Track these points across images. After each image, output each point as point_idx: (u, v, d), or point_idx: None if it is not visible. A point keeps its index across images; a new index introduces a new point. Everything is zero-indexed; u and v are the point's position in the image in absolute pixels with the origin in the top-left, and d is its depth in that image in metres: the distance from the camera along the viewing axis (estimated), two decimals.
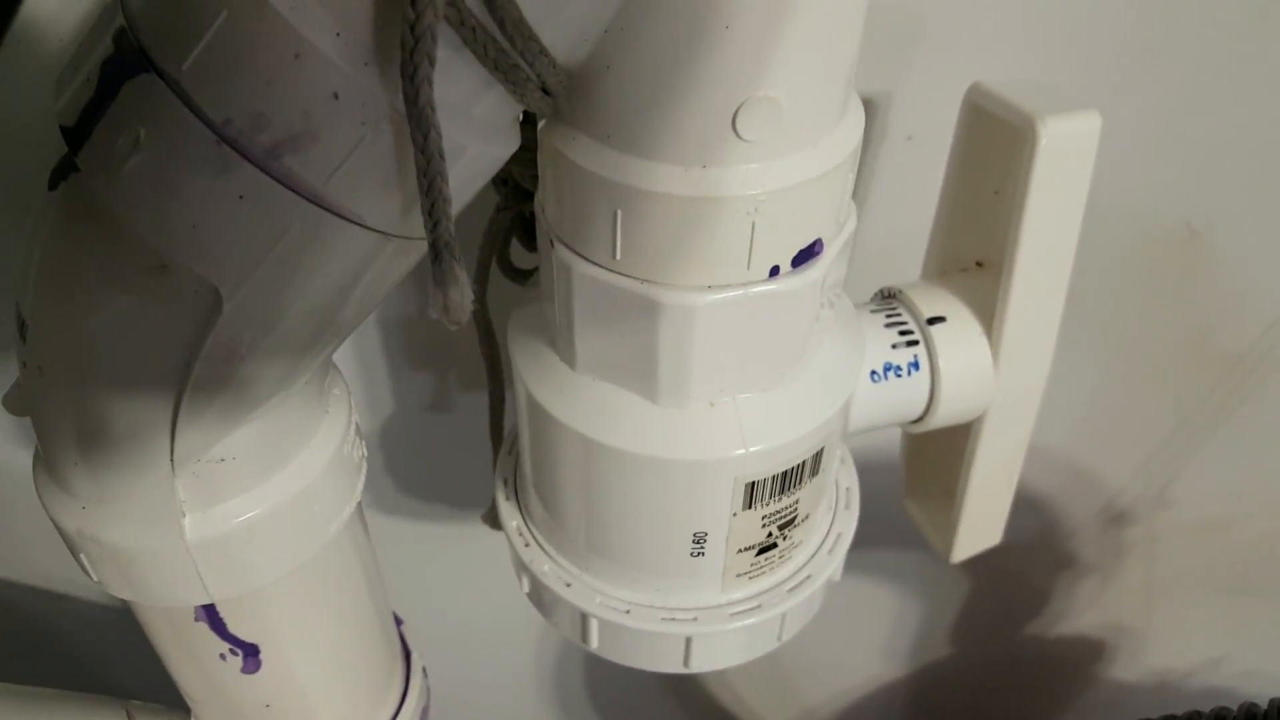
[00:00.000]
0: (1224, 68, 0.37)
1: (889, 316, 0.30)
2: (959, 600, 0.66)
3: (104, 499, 0.23)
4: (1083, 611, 0.66)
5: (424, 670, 0.38)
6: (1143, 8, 0.35)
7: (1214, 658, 0.69)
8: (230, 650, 0.27)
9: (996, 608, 0.66)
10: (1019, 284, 0.28)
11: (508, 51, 0.17)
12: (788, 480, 0.25)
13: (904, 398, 0.29)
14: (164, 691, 0.32)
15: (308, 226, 0.18)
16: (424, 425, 0.46)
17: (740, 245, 0.21)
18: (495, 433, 0.35)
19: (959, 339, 0.29)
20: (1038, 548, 0.60)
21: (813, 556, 0.29)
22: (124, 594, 0.25)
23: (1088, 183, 0.27)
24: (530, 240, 0.30)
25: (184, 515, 0.23)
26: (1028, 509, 0.56)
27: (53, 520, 0.24)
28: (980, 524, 0.34)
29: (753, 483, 0.25)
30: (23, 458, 0.45)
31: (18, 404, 0.23)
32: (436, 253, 0.17)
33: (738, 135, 0.19)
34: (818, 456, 0.26)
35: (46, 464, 0.24)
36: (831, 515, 0.31)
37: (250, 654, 0.27)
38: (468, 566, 0.54)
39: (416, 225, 0.18)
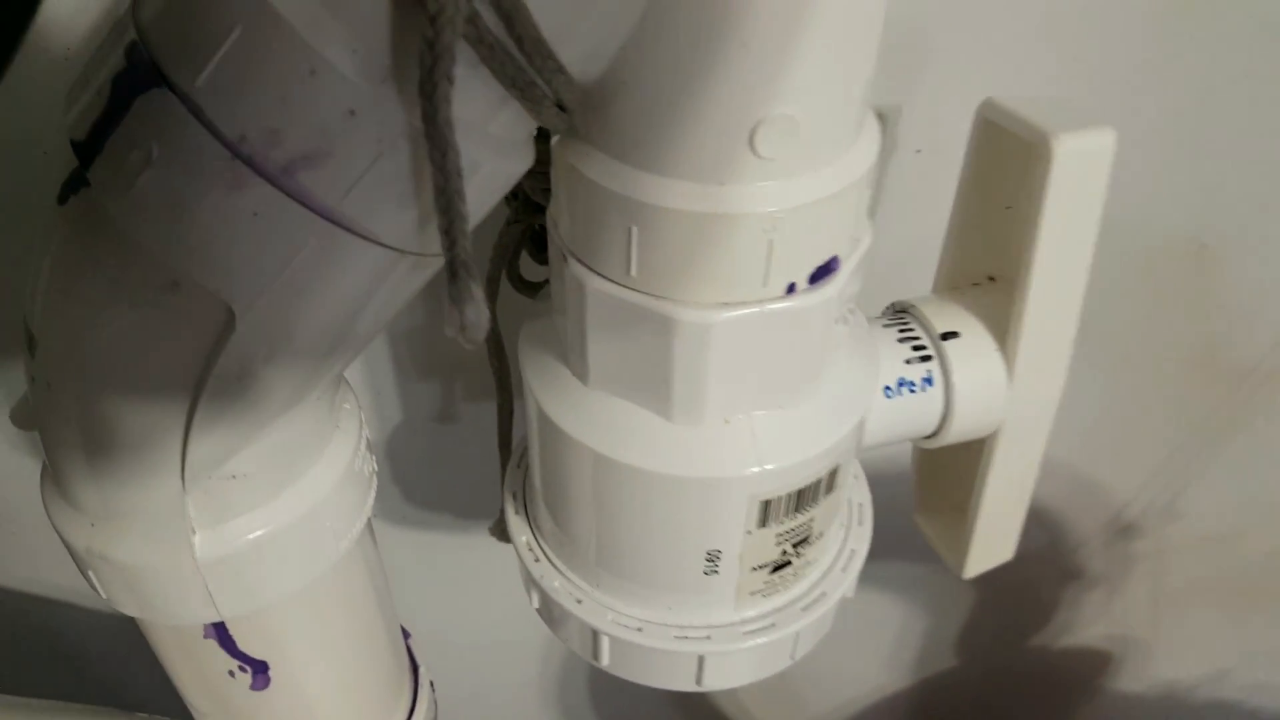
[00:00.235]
0: (1233, 83, 0.37)
1: (902, 331, 0.30)
2: (964, 611, 0.65)
3: (113, 516, 0.23)
4: (1089, 623, 0.66)
5: (431, 684, 0.37)
6: (1152, 23, 0.35)
7: (1220, 670, 0.69)
8: (240, 667, 0.27)
9: (1002, 619, 0.66)
10: (1034, 300, 0.28)
11: (525, 68, 0.17)
12: (803, 498, 0.25)
13: (918, 413, 0.29)
14: (171, 703, 0.32)
15: (322, 244, 0.17)
16: (432, 436, 0.46)
17: (757, 262, 0.21)
18: (504, 445, 0.35)
19: (973, 354, 0.29)
20: (1045, 559, 0.60)
21: (826, 574, 0.29)
22: (132, 611, 0.25)
23: (1102, 199, 0.27)
24: (541, 253, 0.30)
25: (194, 533, 0.23)
26: (1035, 521, 0.55)
27: (61, 537, 0.24)
28: (993, 539, 0.34)
29: (767, 501, 0.24)
30: (29, 466, 0.45)
31: (26, 419, 0.23)
32: (454, 271, 0.16)
33: (755, 153, 0.19)
34: (833, 474, 0.26)
35: (54, 480, 0.24)
36: (845, 532, 0.30)
37: (259, 671, 0.27)
38: (474, 578, 0.54)
39: (432, 242, 0.18)
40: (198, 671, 0.27)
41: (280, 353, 0.20)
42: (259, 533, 0.23)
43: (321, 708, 0.30)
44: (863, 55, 0.19)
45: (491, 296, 0.31)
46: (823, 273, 0.22)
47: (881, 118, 0.32)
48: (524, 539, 0.30)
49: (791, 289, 0.22)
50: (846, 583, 0.29)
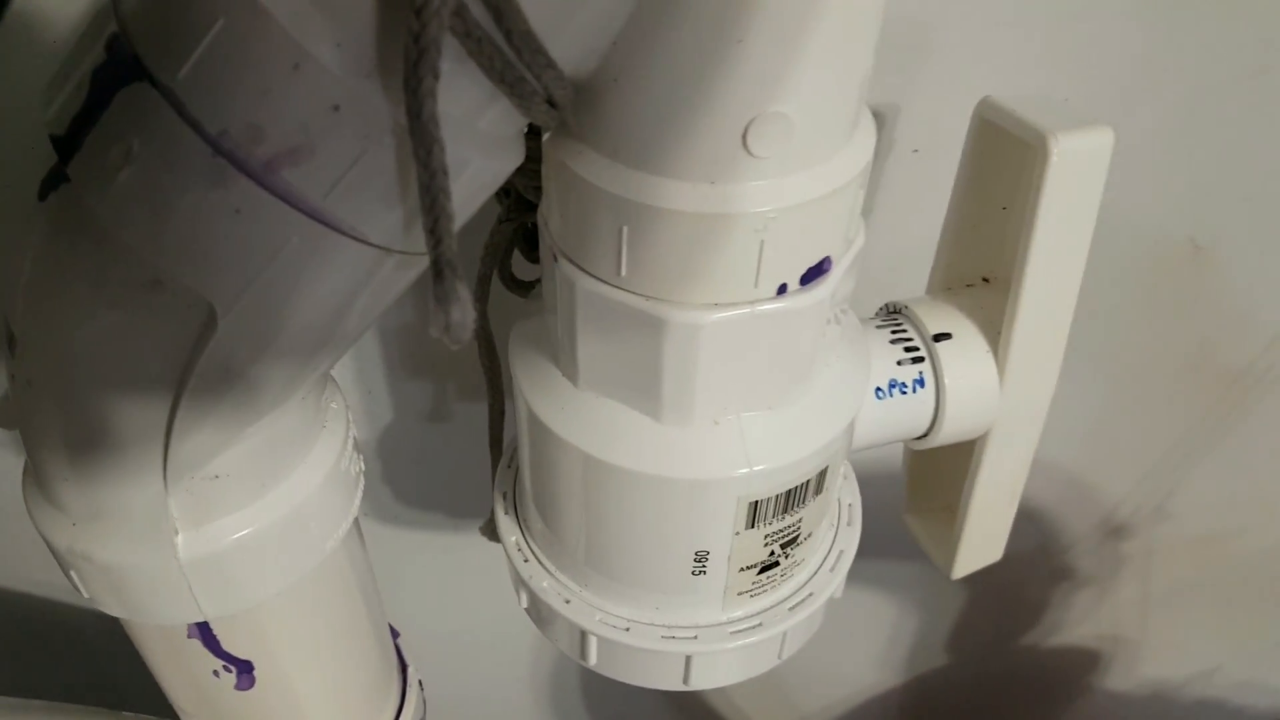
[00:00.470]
0: (1228, 85, 0.37)
1: (894, 332, 0.29)
2: (955, 611, 0.65)
3: (95, 516, 0.23)
4: (1079, 623, 0.66)
5: (420, 683, 0.37)
6: (1148, 24, 0.34)
7: (1208, 669, 0.69)
8: (224, 667, 0.26)
9: (993, 619, 0.66)
10: (1027, 301, 0.27)
11: (514, 64, 0.16)
12: (791, 499, 0.25)
13: (909, 415, 0.29)
14: (157, 702, 0.31)
15: (306, 241, 0.17)
16: (422, 435, 0.45)
17: (748, 263, 0.20)
18: (494, 445, 0.35)
19: (965, 356, 0.29)
20: (1035, 560, 0.60)
21: (814, 574, 0.29)
22: (116, 611, 0.25)
23: (1099, 199, 0.27)
24: (532, 251, 0.30)
25: (177, 533, 0.22)
26: (1026, 521, 0.56)
27: (43, 536, 0.24)
28: (982, 540, 0.34)
29: (756, 502, 0.24)
30: (13, 464, 0.45)
31: (7, 418, 0.23)
32: (439, 271, 0.16)
33: (748, 152, 0.19)
34: (822, 475, 0.25)
35: (36, 479, 0.23)
36: (834, 532, 0.30)
37: (244, 671, 0.27)
38: (464, 577, 0.54)
39: (418, 240, 0.18)
40: (182, 671, 0.27)
41: (264, 352, 0.19)
42: (243, 533, 0.23)
43: (308, 707, 0.29)
44: (860, 53, 0.19)
45: (482, 296, 0.30)
46: (815, 273, 0.22)
47: (877, 117, 0.32)
48: (513, 539, 0.30)
49: (783, 290, 0.21)
50: (835, 583, 0.29)
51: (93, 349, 0.19)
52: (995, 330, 0.29)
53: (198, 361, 0.19)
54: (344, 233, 0.17)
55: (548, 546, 0.29)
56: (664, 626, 0.27)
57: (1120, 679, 0.70)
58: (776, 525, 0.25)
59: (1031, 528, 0.57)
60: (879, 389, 0.28)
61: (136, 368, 0.19)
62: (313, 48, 0.15)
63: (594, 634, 0.28)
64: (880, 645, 0.67)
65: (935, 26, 0.34)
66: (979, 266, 0.31)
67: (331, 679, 0.30)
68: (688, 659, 0.27)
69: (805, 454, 0.24)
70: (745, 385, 0.23)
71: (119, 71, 0.16)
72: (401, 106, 0.15)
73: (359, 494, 0.27)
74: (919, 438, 0.30)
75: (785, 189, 0.20)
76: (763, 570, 0.27)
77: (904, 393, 0.28)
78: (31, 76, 0.30)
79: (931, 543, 0.36)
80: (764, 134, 0.18)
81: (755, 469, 0.23)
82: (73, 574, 0.24)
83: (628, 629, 0.27)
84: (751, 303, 0.21)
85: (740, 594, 0.27)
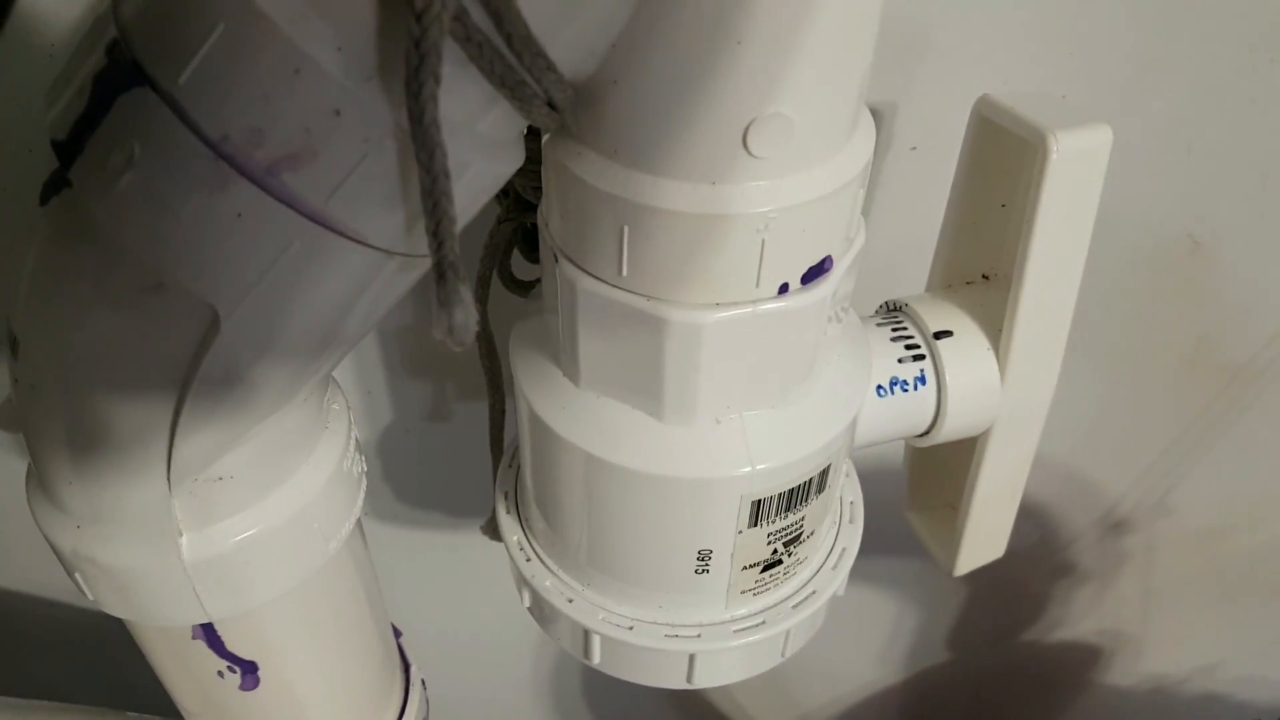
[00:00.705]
0: (1226, 80, 0.37)
1: (895, 330, 0.29)
2: (956, 607, 0.65)
3: (99, 518, 0.23)
4: (1080, 618, 0.66)
5: (423, 682, 0.37)
6: (1146, 21, 0.34)
7: (1209, 664, 0.69)
8: (228, 668, 0.26)
9: (994, 614, 0.66)
10: (1027, 299, 0.27)
11: (514, 67, 0.16)
12: (794, 498, 0.25)
13: (910, 413, 0.29)
14: (160, 703, 0.31)
15: (307, 245, 0.17)
16: (423, 435, 0.45)
17: (749, 263, 0.20)
18: (495, 445, 0.35)
19: (966, 354, 0.29)
20: (1036, 555, 0.60)
21: (817, 572, 0.29)
22: (120, 613, 0.25)
23: (1098, 197, 0.27)
24: (532, 251, 0.30)
25: (181, 534, 0.23)
26: (1027, 517, 0.56)
27: (47, 538, 0.24)
28: (984, 537, 0.34)
29: (759, 500, 0.24)
30: (14, 464, 0.45)
31: (10, 421, 0.23)
32: (441, 273, 0.16)
33: (748, 152, 0.19)
34: (824, 474, 0.25)
35: (40, 481, 0.24)
36: (836, 530, 0.30)
37: (249, 671, 0.27)
38: (466, 576, 0.54)
39: (419, 243, 0.18)
40: (186, 672, 0.27)
41: (266, 354, 0.19)
42: (247, 534, 0.23)
43: (312, 707, 0.29)
44: (859, 53, 0.19)
45: (482, 296, 0.30)
46: (816, 273, 0.22)
47: (876, 115, 0.32)
48: (515, 538, 0.30)
49: (784, 289, 0.21)
50: (837, 581, 0.29)
51: (95, 352, 0.19)
52: (996, 327, 0.29)
53: (200, 364, 0.19)
54: (345, 236, 0.17)
55: (550, 546, 0.29)
56: (667, 625, 0.27)
57: (1121, 674, 0.70)
58: (779, 524, 0.25)
59: (1032, 524, 0.57)
60: (880, 387, 0.28)
61: (139, 370, 0.19)
62: (313, 52, 0.15)
63: (597, 633, 0.28)
64: (882, 642, 0.67)
65: (934, 25, 0.34)
66: (979, 264, 0.31)
67: (335, 679, 0.30)
68: (691, 657, 0.27)
69: (807, 452, 0.24)
70: (747, 384, 0.23)
71: (120, 77, 0.16)
72: (403, 110, 0.15)
73: (361, 494, 0.28)
74: (920, 435, 0.30)
75: (786, 189, 0.20)
76: (766, 568, 0.27)
77: (905, 390, 0.28)
78: (32, 81, 0.30)
79: (933, 540, 0.36)
80: (764, 134, 0.18)
81: (758, 468, 0.23)
82: (77, 576, 0.24)
83: (631, 628, 0.27)
84: (753, 302, 0.21)
85: (743, 592, 0.27)
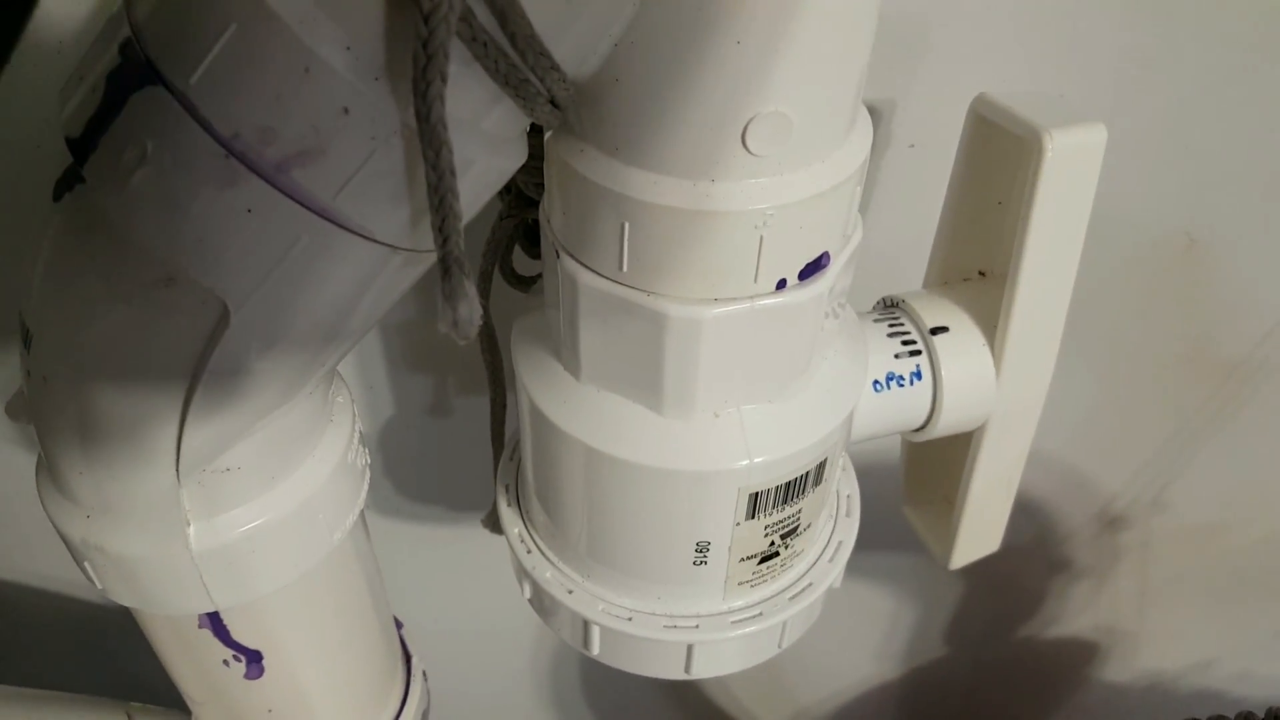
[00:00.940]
0: (1223, 78, 0.37)
1: (891, 326, 0.30)
2: (953, 602, 0.66)
3: (108, 508, 0.23)
4: (1076, 614, 0.66)
5: (424, 673, 0.38)
6: (1143, 19, 0.35)
7: (1205, 660, 0.69)
8: (234, 657, 0.27)
9: (990, 610, 0.66)
10: (1023, 295, 0.28)
11: (518, 66, 0.17)
12: (791, 490, 0.25)
13: (906, 407, 0.29)
14: (165, 692, 0.32)
15: (316, 240, 0.17)
16: (425, 429, 0.46)
17: (748, 259, 0.21)
18: (496, 438, 0.35)
19: (962, 349, 0.29)
20: (1033, 551, 0.60)
21: (814, 564, 0.29)
22: (128, 602, 0.25)
23: (1093, 194, 0.27)
24: (533, 247, 0.30)
25: (189, 524, 0.23)
26: (1023, 513, 0.56)
27: (57, 528, 0.24)
28: (980, 531, 0.35)
29: (756, 493, 0.25)
30: (22, 456, 0.45)
31: (21, 412, 0.23)
32: (447, 268, 0.17)
33: (747, 150, 0.19)
34: (821, 467, 0.26)
35: (50, 472, 0.24)
36: (832, 523, 0.31)
37: (253, 660, 0.27)
38: (467, 569, 0.54)
39: (425, 238, 0.18)
40: (192, 661, 0.28)
41: (274, 347, 0.20)
42: (253, 524, 0.24)
43: (315, 697, 0.30)
44: (857, 52, 0.20)
45: (484, 291, 0.31)
46: (813, 269, 0.22)
47: (874, 112, 0.33)
48: (516, 531, 0.31)
49: (782, 285, 0.22)
50: (834, 573, 0.29)
51: (107, 345, 0.20)
52: (992, 323, 0.29)
53: (210, 357, 0.19)
54: (353, 231, 0.18)
55: (550, 538, 0.29)
56: (666, 616, 0.28)
57: (1117, 670, 0.70)
58: (776, 516, 0.26)
59: (1029, 519, 0.57)
60: (877, 382, 0.29)
61: (150, 363, 0.20)
62: (323, 52, 0.15)
63: (597, 624, 0.28)
64: (878, 637, 0.68)
65: (932, 24, 0.34)
66: (975, 260, 0.32)
67: (338, 668, 0.30)
68: (689, 648, 0.28)
69: (805, 446, 0.24)
70: (745, 378, 0.23)
71: (133, 75, 0.17)
72: (410, 108, 0.16)
73: (365, 486, 0.28)
74: (917, 430, 0.30)
75: (784, 186, 0.20)
76: (763, 560, 0.27)
77: (901, 385, 0.29)
78: (42, 79, 0.31)
79: (929, 534, 0.36)
80: (763, 132, 0.19)
81: (755, 461, 0.24)
82: (86, 565, 0.24)
83: (630, 619, 0.28)
84: (751, 298, 0.22)
85: (741, 584, 0.28)
